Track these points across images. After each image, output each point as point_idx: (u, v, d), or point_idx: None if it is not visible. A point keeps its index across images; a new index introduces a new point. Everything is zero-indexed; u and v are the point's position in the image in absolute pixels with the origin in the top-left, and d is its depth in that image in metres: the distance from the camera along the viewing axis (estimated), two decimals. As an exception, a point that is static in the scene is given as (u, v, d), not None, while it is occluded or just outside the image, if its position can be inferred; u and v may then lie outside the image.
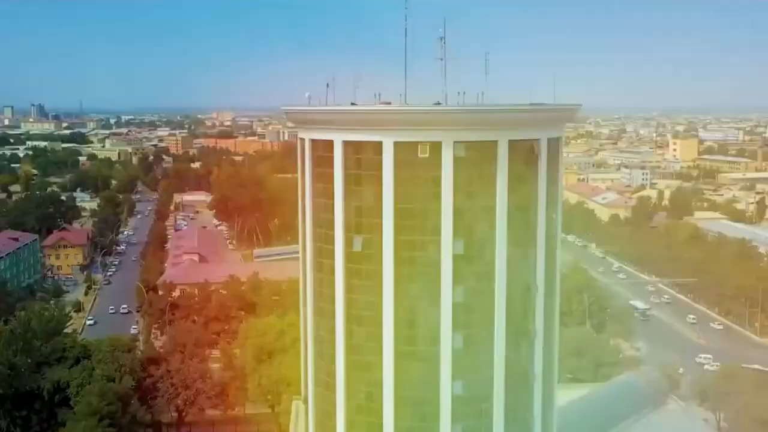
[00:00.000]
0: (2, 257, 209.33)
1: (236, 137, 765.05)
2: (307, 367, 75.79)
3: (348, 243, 68.08)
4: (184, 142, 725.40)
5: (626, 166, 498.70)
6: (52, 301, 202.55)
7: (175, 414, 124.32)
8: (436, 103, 67.15)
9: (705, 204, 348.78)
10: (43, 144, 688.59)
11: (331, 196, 68.40)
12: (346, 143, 67.12)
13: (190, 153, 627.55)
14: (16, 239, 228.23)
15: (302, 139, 72.43)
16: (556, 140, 71.72)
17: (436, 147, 64.72)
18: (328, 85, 69.46)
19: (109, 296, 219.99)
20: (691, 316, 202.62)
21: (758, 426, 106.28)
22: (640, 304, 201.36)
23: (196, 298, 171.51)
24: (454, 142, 64.67)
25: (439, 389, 67.32)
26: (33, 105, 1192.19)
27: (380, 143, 65.31)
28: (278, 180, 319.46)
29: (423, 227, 66.16)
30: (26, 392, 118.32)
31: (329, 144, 68.04)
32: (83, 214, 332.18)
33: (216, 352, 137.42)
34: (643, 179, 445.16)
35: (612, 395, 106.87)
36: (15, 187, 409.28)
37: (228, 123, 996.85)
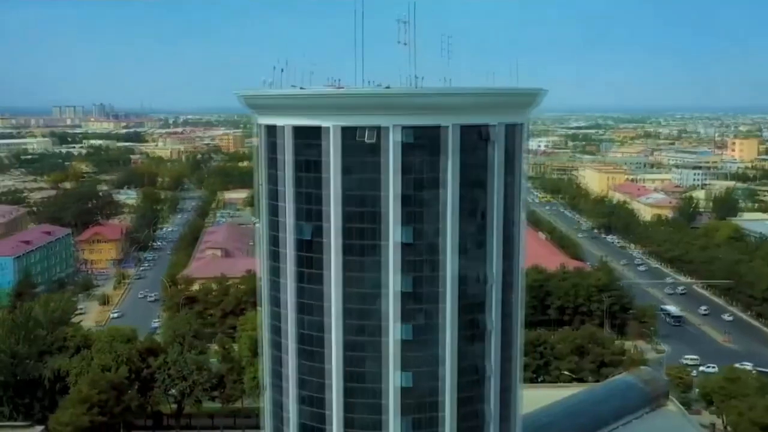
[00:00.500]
0: (33, 250, 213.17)
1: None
2: (263, 357, 74.81)
3: (297, 231, 66.96)
4: (237, 141, 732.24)
5: (680, 167, 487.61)
6: (80, 295, 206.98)
7: (174, 405, 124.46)
8: (384, 87, 65.54)
9: (757, 205, 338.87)
10: (99, 142, 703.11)
11: (282, 183, 67.49)
12: (293, 128, 66.01)
13: (242, 152, 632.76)
14: (49, 233, 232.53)
15: (257, 125, 71.47)
16: (516, 126, 69.14)
17: (381, 132, 63.20)
18: (282, 70, 68.15)
19: (139, 290, 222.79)
20: (703, 307, 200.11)
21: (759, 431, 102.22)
22: (673, 309, 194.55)
23: (214, 292, 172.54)
24: (400, 126, 62.99)
25: (385, 381, 65.86)
26: (95, 105, 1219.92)
27: (326, 128, 64.13)
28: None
29: (370, 215, 64.59)
30: (28, 380, 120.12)
31: (279, 129, 67.06)
32: (125, 210, 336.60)
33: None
34: (695, 179, 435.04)
35: (607, 395, 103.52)
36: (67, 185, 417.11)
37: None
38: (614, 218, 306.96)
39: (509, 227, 69.89)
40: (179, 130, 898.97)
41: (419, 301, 65.66)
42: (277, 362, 71.16)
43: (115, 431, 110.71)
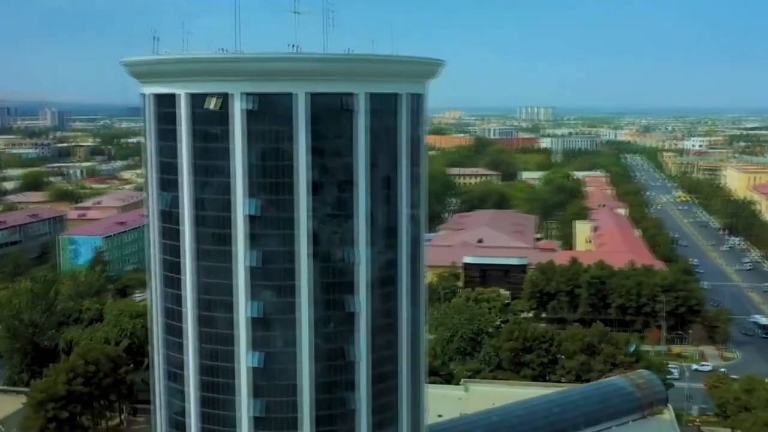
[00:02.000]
0: (126, 231, 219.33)
1: (448, 134, 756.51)
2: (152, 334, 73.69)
3: (159, 201, 65.43)
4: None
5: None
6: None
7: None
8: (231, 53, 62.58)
9: None
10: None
11: (149, 152, 66.21)
12: (154, 96, 64.48)
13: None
14: (122, 224, 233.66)
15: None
16: (390, 97, 64.22)
17: (227, 99, 60.49)
18: (155, 38, 66.80)
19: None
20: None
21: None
22: (762, 319, 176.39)
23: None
24: (244, 93, 60.05)
25: (237, 360, 63.09)
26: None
27: (178, 95, 62.14)
28: (442, 173, 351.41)
29: (220, 185, 62.02)
30: (46, 349, 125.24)
31: (146, 98, 65.73)
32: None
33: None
34: None
35: (585, 398, 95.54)
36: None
37: (452, 121, 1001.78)
38: (738, 218, 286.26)
39: (389, 207, 65.31)
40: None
41: (270, 277, 62.43)
42: (154, 336, 69.90)
43: (106, 402, 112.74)
